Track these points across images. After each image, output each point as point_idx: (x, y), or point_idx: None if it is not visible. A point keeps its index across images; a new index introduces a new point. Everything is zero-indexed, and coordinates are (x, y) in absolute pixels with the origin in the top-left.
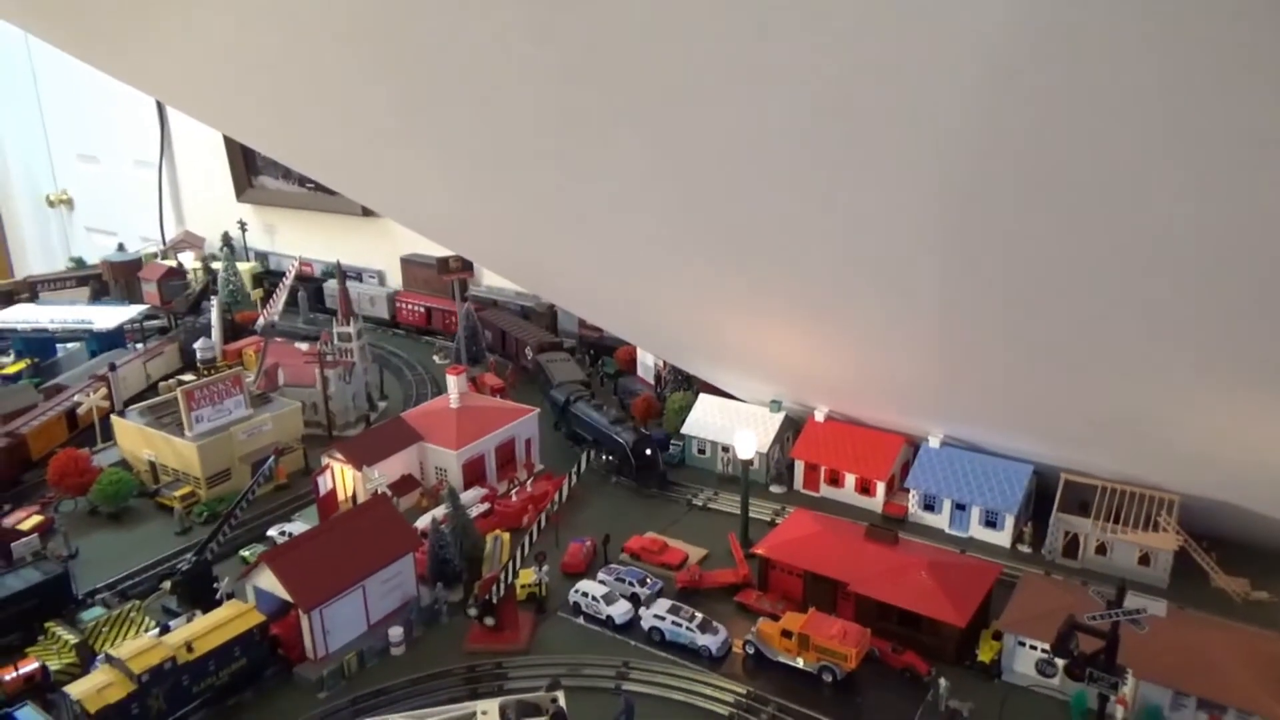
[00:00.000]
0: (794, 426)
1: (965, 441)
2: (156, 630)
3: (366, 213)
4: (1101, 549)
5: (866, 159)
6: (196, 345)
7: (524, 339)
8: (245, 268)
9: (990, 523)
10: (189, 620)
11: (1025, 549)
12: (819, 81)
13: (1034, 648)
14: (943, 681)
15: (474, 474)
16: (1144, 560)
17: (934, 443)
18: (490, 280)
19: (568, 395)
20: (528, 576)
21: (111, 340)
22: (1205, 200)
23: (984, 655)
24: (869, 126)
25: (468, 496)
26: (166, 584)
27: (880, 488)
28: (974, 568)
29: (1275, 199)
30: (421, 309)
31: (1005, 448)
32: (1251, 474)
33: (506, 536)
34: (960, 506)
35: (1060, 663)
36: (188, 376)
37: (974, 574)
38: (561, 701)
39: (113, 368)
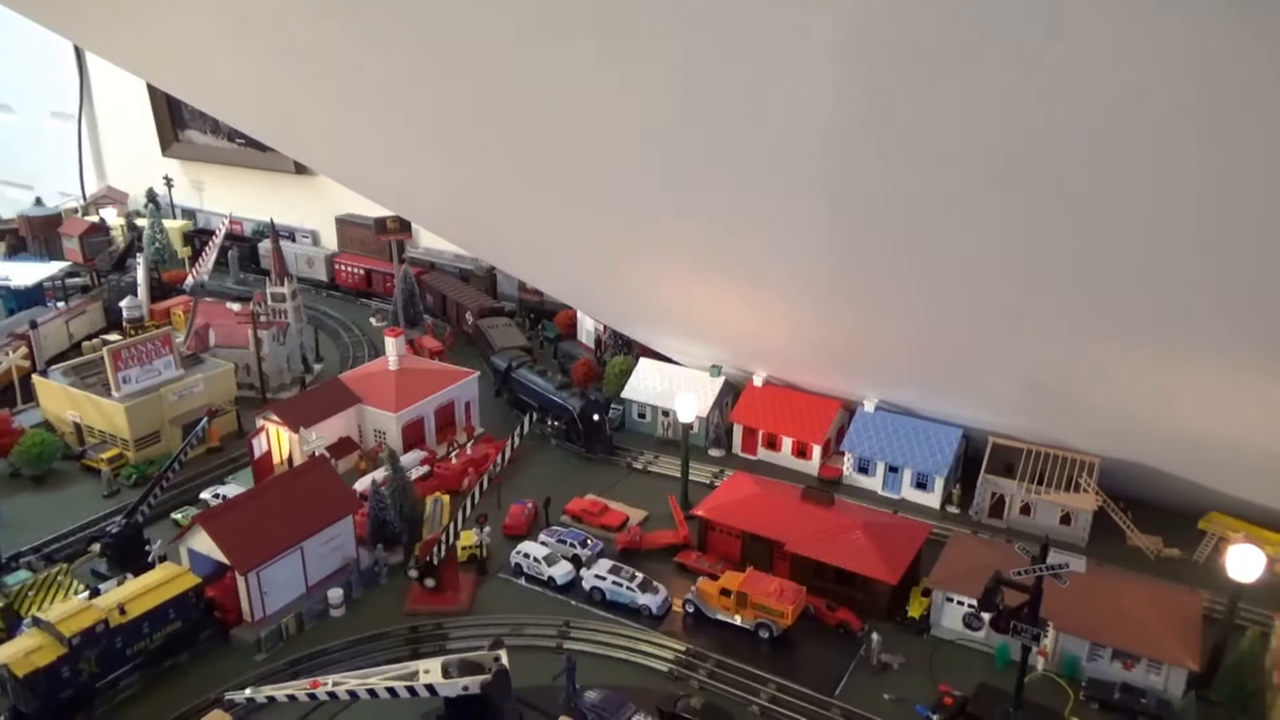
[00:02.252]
0: (733, 391)
1: (899, 406)
2: (86, 594)
3: (300, 170)
4: (1026, 509)
5: (789, 135)
6: (123, 304)
7: (465, 304)
8: (174, 225)
9: (921, 484)
10: (120, 583)
11: (954, 510)
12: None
13: (961, 603)
14: (875, 636)
15: (413, 437)
16: (1065, 520)
17: (869, 407)
18: (429, 242)
19: (510, 361)
20: (469, 538)
21: (31, 297)
22: (1118, 168)
23: (914, 611)
24: (795, 108)
25: (407, 459)
26: (95, 547)
27: (816, 451)
28: (905, 528)
29: (1184, 166)
30: (361, 271)
31: (937, 412)
32: (1167, 438)
33: (447, 499)
34: (893, 469)
35: (986, 616)
36: (113, 336)
37: (905, 534)
38: (504, 660)
39: (34, 325)
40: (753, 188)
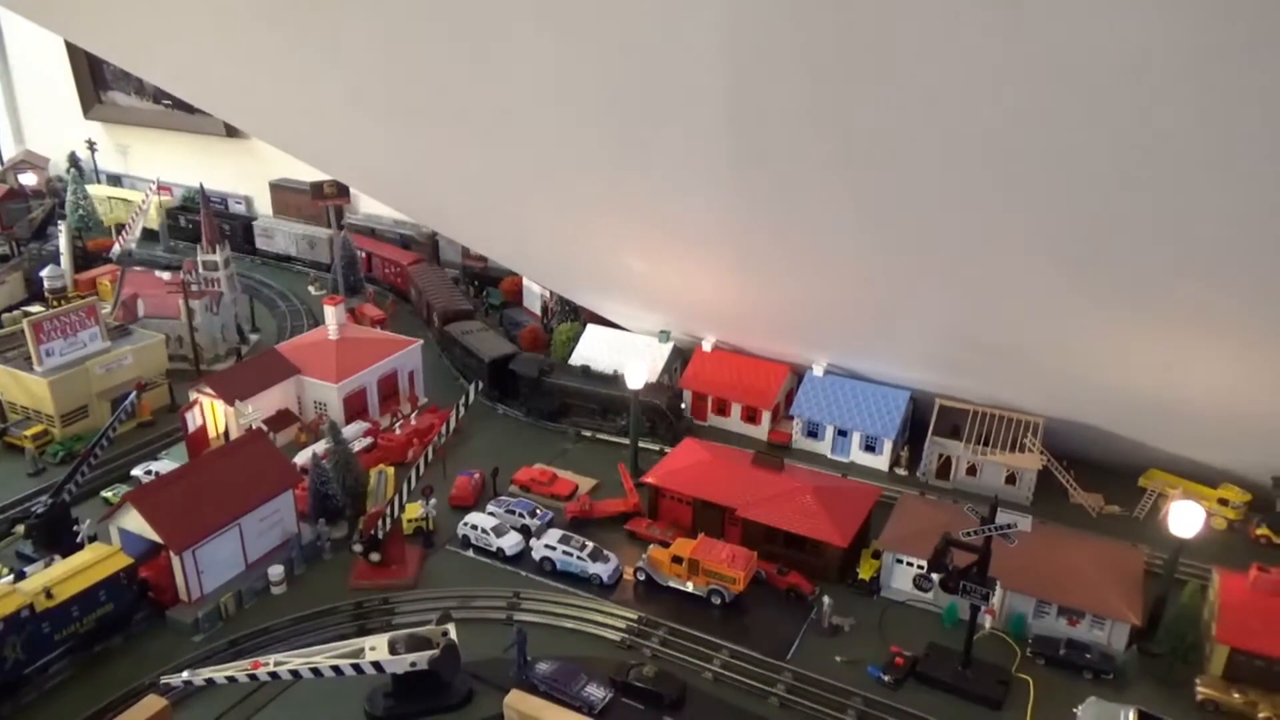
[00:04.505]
0: (682, 357)
1: (847, 369)
2: (10, 577)
3: (231, 133)
4: (972, 470)
5: (711, 96)
6: (44, 273)
7: (435, 304)
8: (104, 192)
9: (870, 447)
10: (47, 565)
11: (902, 471)
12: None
13: (911, 564)
14: (826, 599)
15: (356, 408)
16: (1010, 479)
17: (817, 371)
18: (368, 207)
19: (540, 367)
20: (414, 511)
21: None
22: (1046, 125)
23: (864, 573)
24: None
25: (349, 431)
26: (20, 528)
27: (766, 416)
28: (855, 491)
29: (1122, 122)
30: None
31: (884, 375)
32: (1109, 397)
33: (391, 471)
34: (842, 433)
35: (936, 578)
36: (35, 308)
37: (855, 497)
38: (452, 634)
39: None
40: (690, 151)
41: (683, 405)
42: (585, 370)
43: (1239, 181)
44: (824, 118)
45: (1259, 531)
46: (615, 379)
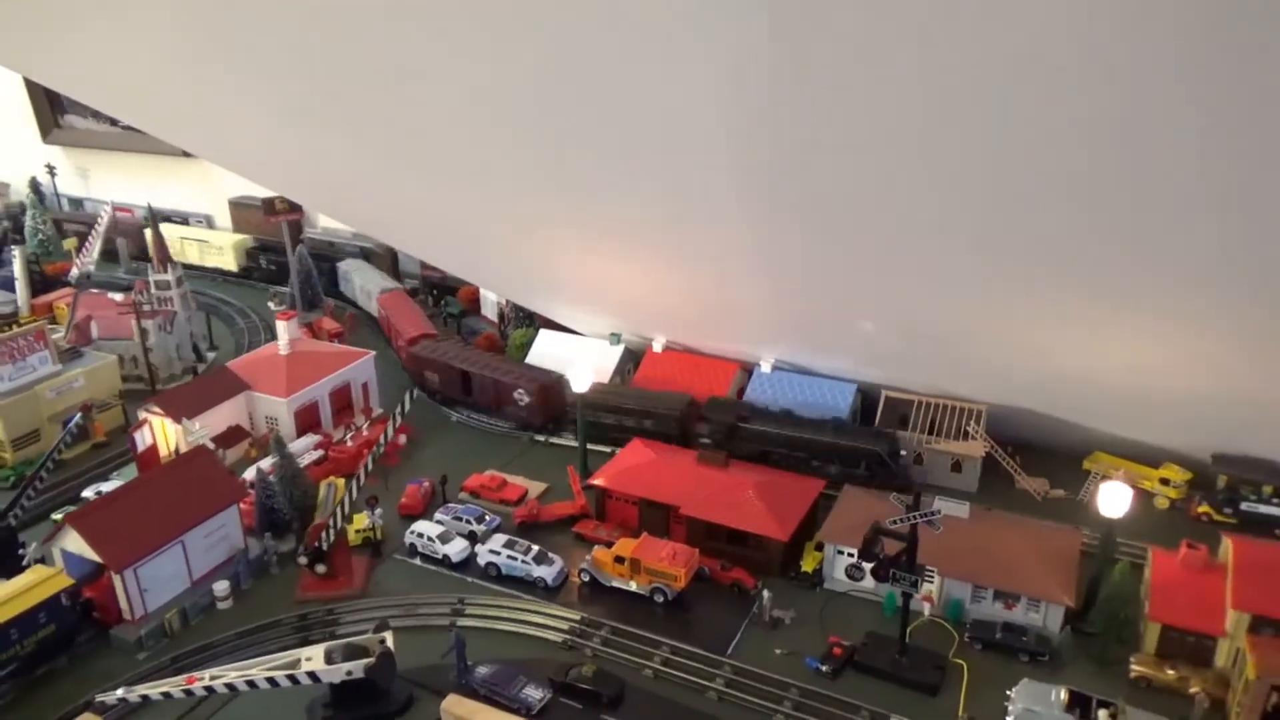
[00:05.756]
0: (634, 358)
1: (794, 364)
2: None
3: (188, 153)
4: (919, 459)
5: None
6: None
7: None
8: (177, 233)
9: None
10: None
11: None
12: None
13: (851, 555)
14: (765, 593)
15: (308, 421)
16: (956, 467)
17: (766, 367)
18: (326, 222)
19: (736, 415)
20: (361, 521)
21: None
22: (974, 116)
23: (807, 566)
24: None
25: (299, 444)
26: None
27: None
28: (798, 485)
29: (1033, 110)
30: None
31: (831, 368)
32: (1049, 381)
33: (341, 483)
34: None
35: (867, 566)
36: None
37: (798, 491)
38: (389, 642)
39: None
40: (626, 158)
41: (902, 451)
42: (788, 414)
43: (1161, 161)
44: (754, 121)
45: (1200, 509)
46: (823, 424)
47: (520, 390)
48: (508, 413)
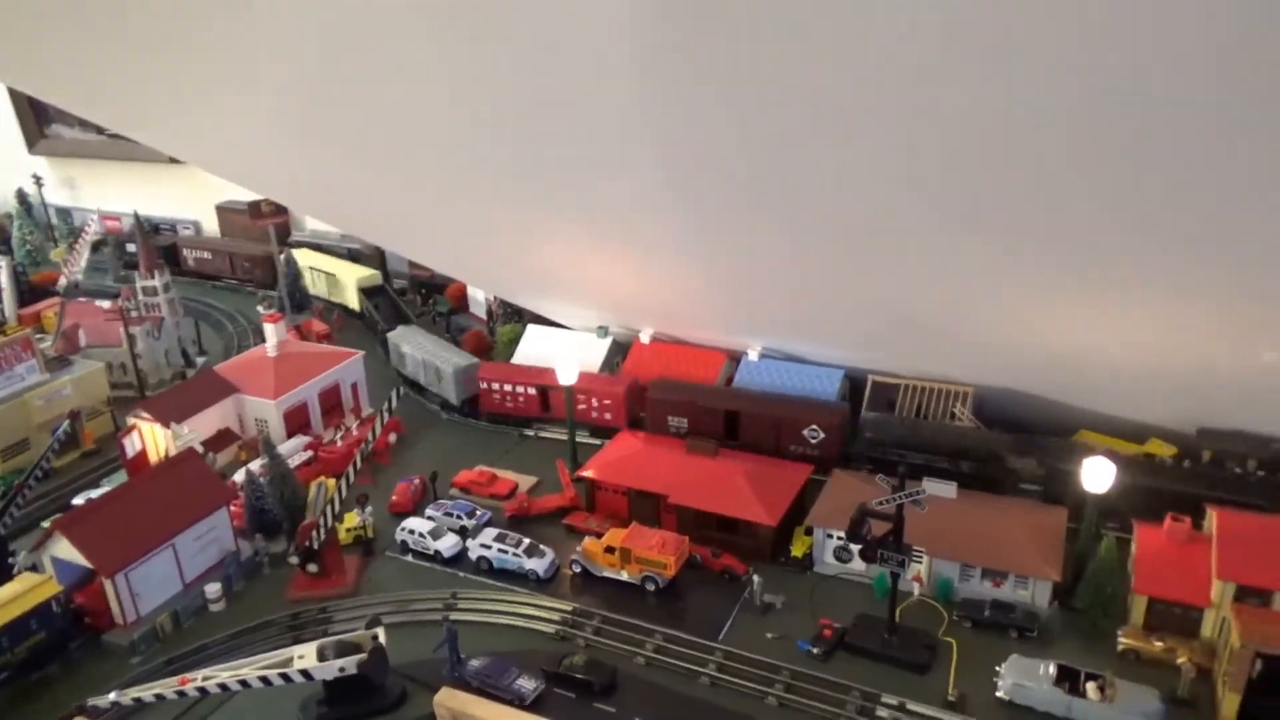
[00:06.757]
0: (622, 350)
1: (781, 352)
2: None
3: (174, 159)
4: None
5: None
6: None
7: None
8: (308, 261)
9: None
10: None
11: None
12: None
13: (841, 538)
14: (756, 578)
15: (297, 423)
16: None
17: (753, 355)
18: (314, 224)
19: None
20: (351, 520)
21: None
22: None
23: (797, 550)
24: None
25: (288, 446)
26: None
27: None
28: (787, 470)
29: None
30: (531, 391)
31: (818, 355)
32: (1034, 360)
33: (331, 483)
34: None
35: (855, 548)
36: None
37: (786, 476)
38: (381, 638)
39: None
40: (595, 147)
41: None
42: (913, 425)
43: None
44: (724, 107)
45: None
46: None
47: (814, 427)
48: (792, 452)
